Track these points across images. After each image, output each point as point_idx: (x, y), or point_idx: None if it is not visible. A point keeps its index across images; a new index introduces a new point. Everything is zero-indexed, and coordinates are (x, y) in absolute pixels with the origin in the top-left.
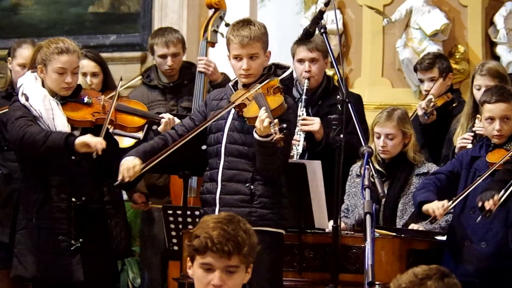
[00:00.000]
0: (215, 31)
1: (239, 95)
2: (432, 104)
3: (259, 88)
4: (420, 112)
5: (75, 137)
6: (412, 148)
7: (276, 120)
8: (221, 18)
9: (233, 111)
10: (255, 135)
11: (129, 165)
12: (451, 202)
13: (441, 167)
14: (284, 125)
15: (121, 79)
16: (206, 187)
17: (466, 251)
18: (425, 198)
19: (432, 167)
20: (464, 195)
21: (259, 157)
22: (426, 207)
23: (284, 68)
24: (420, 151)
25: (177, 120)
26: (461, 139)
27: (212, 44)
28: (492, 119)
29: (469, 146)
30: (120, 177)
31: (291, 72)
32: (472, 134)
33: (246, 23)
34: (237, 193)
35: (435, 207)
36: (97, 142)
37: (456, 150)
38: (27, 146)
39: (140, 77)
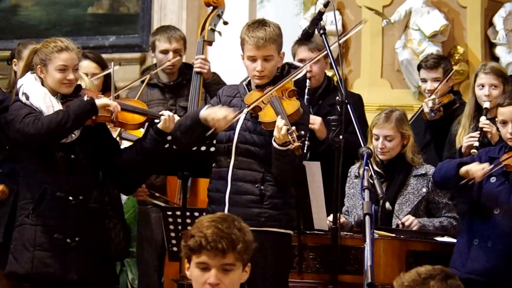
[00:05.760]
0: (213, 30)
1: (254, 97)
2: (438, 101)
3: (274, 91)
4: (426, 109)
5: (93, 99)
6: (410, 149)
7: (293, 128)
8: (219, 16)
9: (245, 110)
10: (274, 144)
11: (222, 114)
12: (492, 165)
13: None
14: (302, 132)
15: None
16: (214, 185)
17: (474, 250)
18: (464, 160)
19: (430, 169)
20: (499, 166)
21: (277, 164)
22: (464, 168)
23: (297, 67)
24: (419, 152)
25: (176, 117)
26: (468, 138)
27: (209, 43)
28: (505, 122)
29: (476, 144)
30: (212, 128)
31: (305, 73)
32: (479, 132)
33: (261, 24)
34: (247, 193)
35: (474, 169)
36: (116, 105)
37: (462, 150)
38: (51, 132)
39: (139, 81)
